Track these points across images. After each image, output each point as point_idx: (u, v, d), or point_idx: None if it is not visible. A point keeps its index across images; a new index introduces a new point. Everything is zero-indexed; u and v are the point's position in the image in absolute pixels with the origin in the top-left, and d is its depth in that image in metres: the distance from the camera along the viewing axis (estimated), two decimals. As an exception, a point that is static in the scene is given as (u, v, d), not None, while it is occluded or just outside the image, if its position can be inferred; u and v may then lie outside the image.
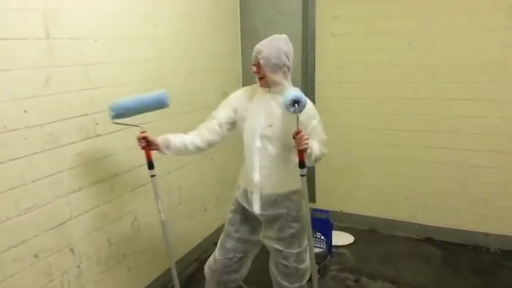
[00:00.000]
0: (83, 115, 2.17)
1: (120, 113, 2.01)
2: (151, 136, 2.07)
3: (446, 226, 3.42)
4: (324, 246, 3.10)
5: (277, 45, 2.04)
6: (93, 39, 2.20)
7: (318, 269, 2.94)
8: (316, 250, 2.98)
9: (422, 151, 3.39)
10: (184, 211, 3.08)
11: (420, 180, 3.45)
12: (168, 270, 2.86)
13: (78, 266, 2.22)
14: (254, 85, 2.20)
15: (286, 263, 2.19)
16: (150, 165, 2.11)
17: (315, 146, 2.02)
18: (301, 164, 2.00)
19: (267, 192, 2.12)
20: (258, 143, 2.07)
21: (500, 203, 3.23)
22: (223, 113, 2.18)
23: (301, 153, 1.97)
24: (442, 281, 2.89)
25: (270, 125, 2.06)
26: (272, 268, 2.29)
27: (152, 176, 2.13)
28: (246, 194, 2.19)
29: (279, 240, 2.18)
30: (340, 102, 3.58)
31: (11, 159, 1.82)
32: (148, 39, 2.60)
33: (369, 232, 3.64)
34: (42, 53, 1.93)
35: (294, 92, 1.88)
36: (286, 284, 2.23)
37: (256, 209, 2.13)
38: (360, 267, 3.08)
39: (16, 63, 1.81)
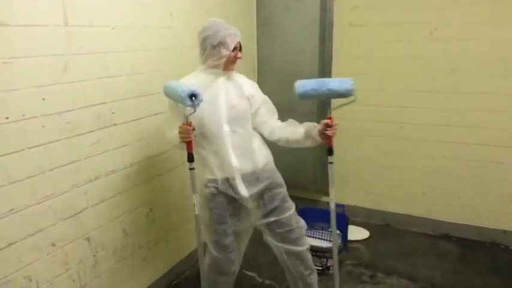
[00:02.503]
0: (100, 103, 2.15)
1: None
2: None
3: (463, 222, 3.35)
4: (339, 241, 3.06)
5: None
6: (111, 27, 2.17)
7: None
8: (331, 244, 2.95)
9: (440, 146, 3.32)
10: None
11: (437, 176, 3.39)
12: (182, 262, 2.90)
13: (94, 256, 2.21)
14: (194, 73, 2.16)
15: (288, 228, 2.20)
16: (191, 158, 2.00)
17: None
18: (330, 151, 2.02)
19: (247, 172, 2.12)
20: (225, 127, 2.07)
21: (520, 200, 3.16)
22: (176, 117, 2.09)
23: (331, 139, 2.01)
24: (459, 278, 2.84)
25: (233, 107, 2.07)
26: (277, 244, 2.23)
27: (191, 169, 2.01)
28: (227, 182, 2.11)
29: (272, 211, 2.17)
30: (356, 94, 3.51)
31: (29, 147, 1.80)
32: (164, 28, 2.57)
33: (384, 227, 3.59)
34: (60, 40, 1.90)
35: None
36: (298, 248, 2.23)
37: (243, 192, 2.11)
38: (376, 263, 3.04)
39: (35, 50, 1.79)
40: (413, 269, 2.95)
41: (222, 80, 2.10)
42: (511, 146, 3.10)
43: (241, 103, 2.12)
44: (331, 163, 2.08)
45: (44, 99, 1.84)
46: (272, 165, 2.23)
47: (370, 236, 3.43)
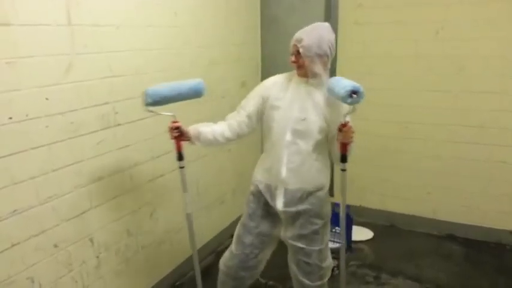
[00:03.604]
0: (103, 104, 2.13)
1: (157, 101, 1.92)
2: (183, 126, 2.02)
3: (469, 223, 3.33)
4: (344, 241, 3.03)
5: (319, 33, 1.94)
6: (115, 26, 2.15)
7: (337, 264, 2.89)
8: (335, 245, 2.93)
9: (446, 145, 3.30)
10: (201, 203, 3.04)
11: (443, 176, 3.36)
12: (185, 262, 2.88)
13: (97, 257, 2.20)
14: (290, 72, 2.10)
15: (308, 260, 2.12)
16: (180, 157, 2.04)
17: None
18: (344, 158, 1.95)
19: (292, 188, 2.04)
20: (288, 136, 1.99)
21: (527, 201, 3.13)
22: (252, 104, 2.09)
23: (346, 146, 1.93)
24: (465, 279, 2.82)
25: (304, 119, 1.97)
26: (293, 267, 2.20)
27: (181, 167, 2.05)
28: (269, 188, 2.10)
29: (301, 237, 2.10)
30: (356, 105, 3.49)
31: (32, 148, 1.79)
32: (168, 27, 2.55)
33: (389, 228, 3.57)
34: (63, 40, 1.88)
35: (350, 81, 1.79)
36: (307, 282, 2.15)
37: (279, 205, 2.06)
38: (380, 264, 3.02)
39: (38, 50, 1.78)
40: (418, 270, 2.93)
41: (302, 88, 2.00)
42: (517, 146, 3.08)
43: (314, 119, 1.97)
44: (343, 170, 1.98)
45: (47, 99, 1.83)
46: (321, 193, 2.08)
47: (374, 237, 3.40)
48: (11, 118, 1.69)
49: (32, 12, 1.74)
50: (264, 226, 2.18)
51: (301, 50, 1.92)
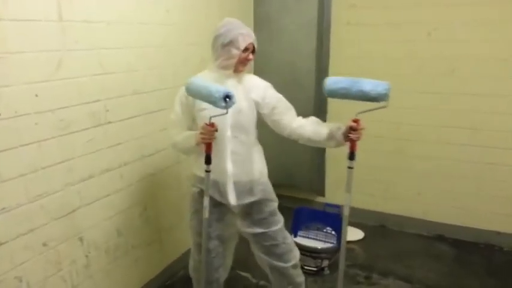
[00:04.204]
0: (94, 101, 2.10)
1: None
2: None
3: (458, 224, 3.35)
4: (335, 242, 3.04)
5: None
6: (106, 22, 2.13)
7: (329, 264, 2.90)
8: (326, 245, 2.93)
9: (436, 147, 3.32)
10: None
11: (433, 177, 3.38)
12: (176, 262, 2.87)
13: (87, 256, 2.17)
14: (204, 72, 2.09)
15: (274, 242, 2.15)
16: (208, 160, 1.95)
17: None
18: (352, 155, 1.91)
19: (241, 180, 2.06)
20: (228, 132, 1.99)
21: (515, 202, 3.16)
22: (185, 117, 2.07)
23: (354, 143, 1.90)
24: (455, 280, 2.84)
25: (239, 111, 1.98)
26: (262, 256, 2.20)
27: (208, 171, 1.96)
28: (217, 186, 2.07)
29: (260, 222, 2.13)
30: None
31: (22, 145, 1.76)
32: (160, 24, 2.53)
33: (379, 228, 3.58)
34: (54, 36, 1.85)
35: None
36: (282, 264, 2.17)
37: (232, 199, 2.06)
38: (371, 264, 3.03)
39: (28, 45, 1.74)
40: (408, 270, 2.94)
41: (231, 82, 2.00)
42: (507, 147, 3.10)
43: (249, 109, 2.03)
44: (350, 168, 1.93)
45: (37, 95, 1.80)
46: (266, 178, 2.17)
47: (365, 237, 3.41)
48: (-1, 114, 1.66)
49: (22, 7, 1.71)
50: (221, 227, 2.17)
51: (255, 46, 2.01)
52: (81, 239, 2.12)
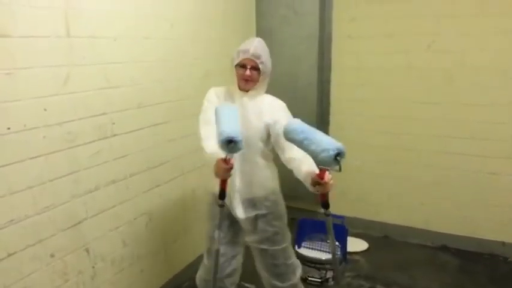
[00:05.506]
0: (100, 114, 2.15)
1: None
2: None
3: (461, 234, 3.35)
4: (339, 253, 3.05)
5: (267, 50, 2.05)
6: (112, 38, 2.19)
7: (333, 276, 2.90)
8: (331, 256, 2.94)
9: (438, 156, 3.34)
10: (197, 213, 3.04)
11: (436, 187, 3.39)
12: (181, 272, 2.88)
13: (93, 267, 2.20)
14: (225, 87, 2.12)
15: (275, 261, 2.16)
16: (223, 195, 1.91)
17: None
18: (324, 205, 1.80)
19: (247, 197, 2.10)
20: None
21: (519, 212, 3.16)
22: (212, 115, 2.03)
23: (323, 196, 1.78)
24: (459, 290, 2.84)
25: (248, 130, 1.99)
26: (263, 273, 2.24)
27: (221, 206, 1.96)
28: (228, 197, 2.08)
29: (263, 240, 2.15)
30: (355, 105, 3.54)
31: (30, 158, 1.81)
32: (165, 39, 2.59)
33: (383, 239, 3.59)
34: (62, 51, 1.91)
35: (330, 140, 1.63)
36: (278, 284, 2.19)
37: (240, 214, 2.10)
38: (375, 275, 3.03)
39: (37, 61, 1.80)
40: (412, 281, 2.94)
41: (244, 100, 2.03)
42: (509, 157, 3.12)
43: (258, 128, 2.03)
44: (327, 215, 1.80)
45: (45, 109, 1.85)
46: (277, 196, 2.16)
47: (369, 248, 3.42)
48: (9, 128, 1.71)
49: (30, 24, 1.77)
50: (232, 234, 2.21)
51: (261, 67, 1.98)
52: (87, 250, 2.15)
